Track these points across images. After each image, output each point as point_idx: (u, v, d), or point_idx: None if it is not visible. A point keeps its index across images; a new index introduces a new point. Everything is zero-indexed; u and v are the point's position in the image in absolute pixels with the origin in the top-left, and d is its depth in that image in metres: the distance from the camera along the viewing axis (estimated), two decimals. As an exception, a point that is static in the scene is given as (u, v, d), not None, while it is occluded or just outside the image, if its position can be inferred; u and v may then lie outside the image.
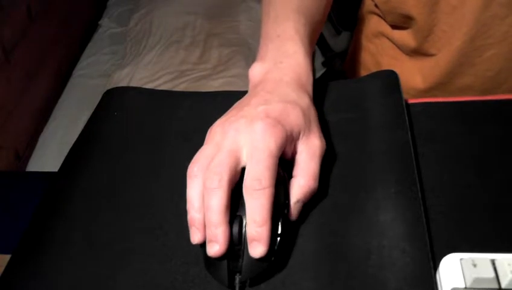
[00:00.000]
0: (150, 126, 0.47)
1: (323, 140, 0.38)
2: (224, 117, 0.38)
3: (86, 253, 0.37)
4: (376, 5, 0.64)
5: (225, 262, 0.33)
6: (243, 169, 0.34)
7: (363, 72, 0.70)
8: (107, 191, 0.42)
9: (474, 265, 0.30)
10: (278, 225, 0.34)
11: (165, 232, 0.38)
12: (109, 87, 0.54)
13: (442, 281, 0.31)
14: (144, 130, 0.47)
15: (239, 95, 0.41)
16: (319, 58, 1.50)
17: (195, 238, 0.34)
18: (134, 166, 0.44)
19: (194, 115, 0.47)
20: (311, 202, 0.38)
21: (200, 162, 0.35)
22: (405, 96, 0.45)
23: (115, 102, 0.51)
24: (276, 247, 0.33)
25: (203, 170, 0.34)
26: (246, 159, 0.34)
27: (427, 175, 0.39)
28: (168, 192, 0.41)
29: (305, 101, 0.39)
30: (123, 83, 1.44)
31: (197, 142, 0.37)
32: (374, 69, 0.49)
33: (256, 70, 0.42)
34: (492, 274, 0.30)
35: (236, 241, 0.33)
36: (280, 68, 0.41)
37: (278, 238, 0.34)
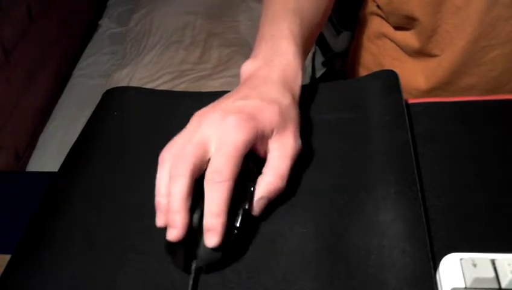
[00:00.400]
0: (150, 126, 0.47)
1: (299, 141, 0.39)
2: (204, 108, 0.39)
3: (86, 253, 0.37)
4: (378, 6, 0.64)
5: (183, 248, 0.34)
6: None
7: (365, 73, 0.70)
8: (107, 191, 0.42)
9: (474, 265, 0.30)
10: (238, 218, 0.35)
11: (165, 232, 0.38)
12: (109, 87, 0.54)
13: (442, 281, 0.31)
14: (144, 130, 0.47)
15: (239, 95, 0.41)
16: (319, 58, 1.50)
17: (159, 222, 0.35)
18: (134, 166, 0.44)
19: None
20: (311, 201, 0.38)
21: (171, 149, 0.36)
22: (407, 96, 0.45)
23: (115, 102, 0.51)
24: (232, 239, 0.34)
25: (173, 157, 0.35)
26: (213, 151, 0.35)
27: (427, 175, 0.39)
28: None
29: (287, 100, 0.39)
30: (123, 83, 1.44)
31: (197, 142, 0.37)
32: (375, 70, 0.49)
33: (247, 67, 0.43)
34: (492, 274, 0.30)
35: (196, 229, 0.34)
36: (269, 66, 0.42)
37: (235, 231, 0.35)
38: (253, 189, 0.36)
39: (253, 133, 0.35)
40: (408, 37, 0.62)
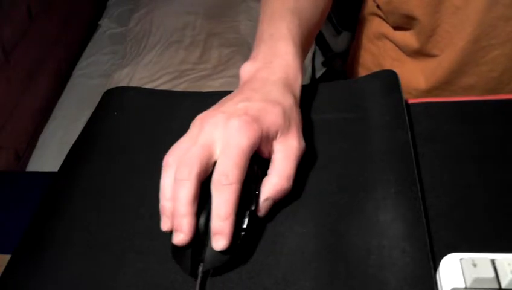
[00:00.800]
0: (150, 126, 0.47)
1: (302, 142, 0.39)
2: (206, 111, 0.39)
3: (86, 253, 0.37)
4: (378, 6, 0.64)
5: (189, 251, 0.34)
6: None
7: (364, 73, 0.70)
8: (107, 191, 0.42)
9: (474, 265, 0.30)
10: (244, 220, 0.35)
11: (166, 233, 0.38)
12: (109, 87, 0.54)
13: (442, 281, 0.31)
14: (144, 130, 0.47)
15: (239, 95, 0.41)
16: (319, 58, 1.50)
17: (165, 226, 0.35)
18: (134, 166, 0.44)
19: (194, 115, 0.47)
20: (311, 201, 0.38)
21: (175, 153, 0.36)
22: (407, 96, 0.45)
23: (115, 102, 0.51)
24: (239, 241, 0.34)
25: (177, 161, 0.35)
26: (218, 154, 0.35)
27: (427, 175, 0.39)
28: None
29: (289, 101, 0.39)
30: (123, 83, 1.44)
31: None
32: (375, 70, 0.49)
33: (246, 69, 0.43)
34: (492, 274, 0.30)
35: (202, 232, 0.34)
36: (269, 67, 0.42)
37: (242, 233, 0.34)
38: (259, 190, 0.36)
39: (257, 136, 0.35)
40: (407, 37, 0.62)
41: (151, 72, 1.48)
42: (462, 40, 0.55)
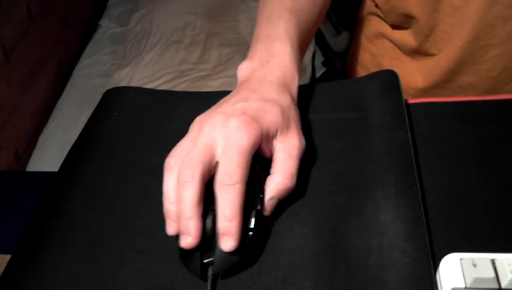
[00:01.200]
0: (150, 126, 0.47)
1: (303, 140, 0.39)
2: (205, 113, 0.39)
3: (86, 253, 0.37)
4: (376, 6, 0.64)
5: (198, 254, 0.34)
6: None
7: (364, 73, 0.71)
8: (107, 191, 0.42)
9: (474, 265, 0.30)
10: (251, 220, 0.34)
11: (165, 232, 0.38)
12: (109, 87, 0.54)
13: (442, 281, 0.31)
14: (144, 130, 0.47)
15: (239, 95, 0.41)
16: (319, 58, 1.50)
17: (170, 230, 0.35)
18: (134, 166, 0.44)
19: (194, 115, 0.47)
20: (311, 201, 0.38)
21: (176, 155, 0.36)
22: (405, 96, 0.45)
23: (115, 102, 0.51)
24: (247, 241, 0.34)
25: (179, 163, 0.35)
26: (220, 155, 0.35)
27: (427, 175, 0.39)
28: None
29: (286, 100, 0.39)
30: (123, 83, 1.44)
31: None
32: (374, 70, 0.49)
33: (243, 69, 0.43)
34: (492, 274, 0.30)
35: (210, 234, 0.34)
36: (266, 67, 0.42)
37: (250, 233, 0.34)
38: (263, 190, 0.36)
39: (257, 135, 0.35)
40: (406, 37, 0.62)
41: (151, 72, 1.48)
42: (460, 40, 0.55)
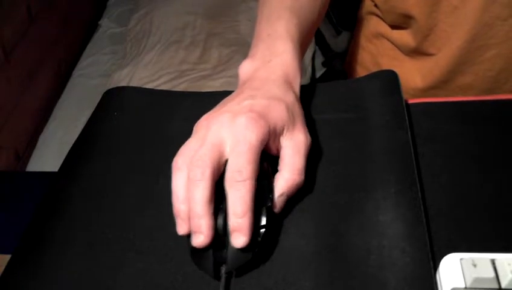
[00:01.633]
0: (150, 126, 0.47)
1: (308, 136, 0.39)
2: (210, 112, 0.39)
3: (86, 253, 0.37)
4: (376, 5, 0.64)
5: (210, 253, 0.34)
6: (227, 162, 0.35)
7: (363, 73, 0.71)
8: (107, 191, 0.42)
9: (474, 265, 0.30)
10: (262, 216, 0.34)
11: (165, 232, 0.38)
12: (109, 87, 0.54)
13: (442, 281, 0.31)
14: (144, 130, 0.47)
15: (239, 95, 0.41)
16: (319, 58, 1.50)
17: (181, 229, 0.35)
18: (134, 166, 0.44)
19: (193, 115, 0.47)
20: (311, 201, 0.38)
21: (184, 155, 0.36)
22: (405, 96, 0.45)
23: (115, 102, 0.51)
24: (259, 238, 0.34)
25: (187, 162, 0.35)
26: (228, 152, 0.35)
27: (427, 175, 0.39)
28: (168, 192, 0.40)
29: (291, 98, 0.40)
30: (123, 83, 1.44)
31: (197, 142, 0.37)
32: (373, 70, 0.49)
33: (245, 68, 0.43)
34: (492, 274, 0.30)
35: (221, 233, 0.34)
36: (268, 67, 0.42)
37: (262, 230, 0.34)
38: (272, 187, 0.36)
39: (265, 131, 0.35)
40: (404, 36, 0.62)
41: (151, 72, 1.48)
42: (459, 40, 0.55)
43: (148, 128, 0.47)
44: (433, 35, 0.57)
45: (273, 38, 0.44)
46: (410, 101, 0.46)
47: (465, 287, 0.30)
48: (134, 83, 1.43)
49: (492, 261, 0.30)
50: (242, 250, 0.33)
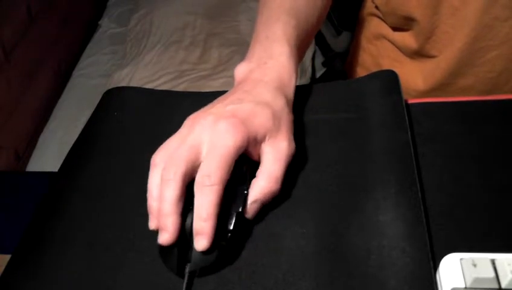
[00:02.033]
0: (150, 126, 0.47)
1: (292, 143, 0.39)
2: (199, 111, 0.39)
3: (86, 253, 0.37)
4: (377, 7, 0.64)
5: (175, 251, 0.34)
6: None
7: (364, 74, 0.71)
8: (107, 191, 0.42)
9: (474, 265, 0.30)
10: (231, 221, 0.35)
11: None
12: (109, 87, 0.54)
13: (442, 281, 0.31)
14: (144, 130, 0.47)
15: (239, 95, 0.41)
16: (319, 58, 1.50)
17: (152, 225, 0.35)
18: (134, 166, 0.44)
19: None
20: (311, 201, 0.38)
21: (163, 152, 0.37)
22: (406, 97, 0.45)
23: (115, 102, 0.51)
24: (225, 242, 0.34)
25: (165, 160, 0.36)
26: (204, 155, 0.35)
27: (427, 175, 0.39)
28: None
29: (279, 103, 0.39)
30: (123, 83, 1.44)
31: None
32: (374, 71, 0.49)
33: (240, 70, 0.43)
34: (492, 274, 0.30)
35: (189, 233, 0.34)
36: (263, 69, 0.42)
37: (229, 234, 0.35)
38: (247, 192, 0.36)
39: (244, 138, 0.36)
40: (406, 38, 0.62)
41: (151, 72, 1.48)
42: (460, 41, 0.55)
43: (148, 129, 0.47)
44: (435, 37, 0.57)
45: (270, 41, 0.44)
46: (410, 101, 0.46)
47: (465, 287, 0.30)
48: (134, 83, 1.43)
49: (492, 261, 0.30)
50: (205, 252, 0.34)
